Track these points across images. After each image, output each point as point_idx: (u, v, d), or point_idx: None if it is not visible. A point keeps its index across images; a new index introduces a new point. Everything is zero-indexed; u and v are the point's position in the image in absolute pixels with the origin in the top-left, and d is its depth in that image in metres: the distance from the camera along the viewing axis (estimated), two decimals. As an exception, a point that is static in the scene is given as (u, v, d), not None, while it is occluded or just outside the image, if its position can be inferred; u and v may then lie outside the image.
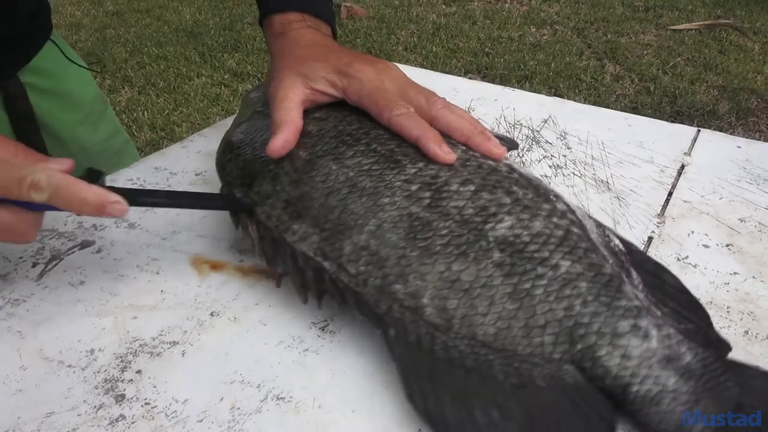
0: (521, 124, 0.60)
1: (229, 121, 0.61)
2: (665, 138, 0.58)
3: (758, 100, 2.45)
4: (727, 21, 3.00)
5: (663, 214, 0.47)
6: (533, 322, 0.32)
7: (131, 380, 0.34)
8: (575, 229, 0.36)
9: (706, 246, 0.44)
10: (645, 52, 2.73)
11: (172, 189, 0.50)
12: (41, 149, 0.60)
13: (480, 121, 0.43)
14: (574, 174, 0.52)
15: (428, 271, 0.34)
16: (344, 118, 0.44)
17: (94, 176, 0.37)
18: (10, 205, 0.34)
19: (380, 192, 0.38)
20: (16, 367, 0.35)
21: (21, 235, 0.35)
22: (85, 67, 0.67)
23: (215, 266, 0.42)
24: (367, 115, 0.44)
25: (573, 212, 0.38)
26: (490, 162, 0.40)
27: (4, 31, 0.55)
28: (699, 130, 0.59)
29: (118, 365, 0.35)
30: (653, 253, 0.43)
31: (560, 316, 0.32)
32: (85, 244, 0.44)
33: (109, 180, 0.52)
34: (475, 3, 3.20)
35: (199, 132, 0.60)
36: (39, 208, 0.35)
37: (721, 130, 2.34)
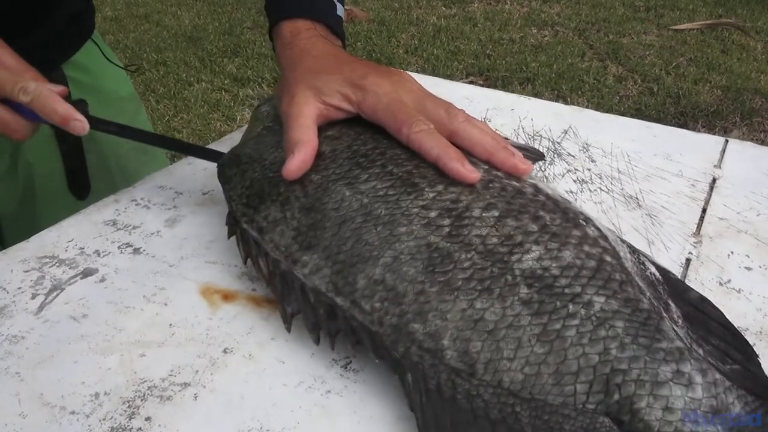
0: (541, 135, 0.58)
1: (237, 135, 0.58)
2: (692, 149, 0.55)
3: (762, 99, 2.43)
4: (729, 20, 2.98)
5: (699, 233, 0.45)
6: (565, 368, 0.29)
7: (140, 429, 0.31)
8: (608, 258, 0.34)
9: (748, 268, 0.41)
10: (647, 52, 2.71)
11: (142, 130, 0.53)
12: (76, 141, 0.62)
13: (497, 132, 0.41)
14: (601, 189, 0.50)
15: (449, 309, 0.31)
16: (358, 136, 0.42)
17: (78, 104, 0.44)
18: (8, 106, 0.42)
19: (396, 220, 0.35)
20: (15, 414, 0.32)
21: (14, 131, 0.43)
22: (121, 67, 0.68)
23: (227, 296, 0.40)
24: (383, 132, 0.41)
25: (605, 237, 0.35)
26: (515, 183, 0.38)
27: (52, 26, 0.59)
28: (727, 141, 0.57)
29: (125, 411, 0.32)
30: (693, 276, 0.40)
31: (595, 362, 0.29)
32: (87, 273, 0.42)
33: (113, 200, 0.49)
34: (476, 4, 3.18)
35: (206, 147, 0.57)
36: (26, 114, 0.43)
37: (725, 131, 2.33)
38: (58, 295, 0.40)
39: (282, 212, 0.38)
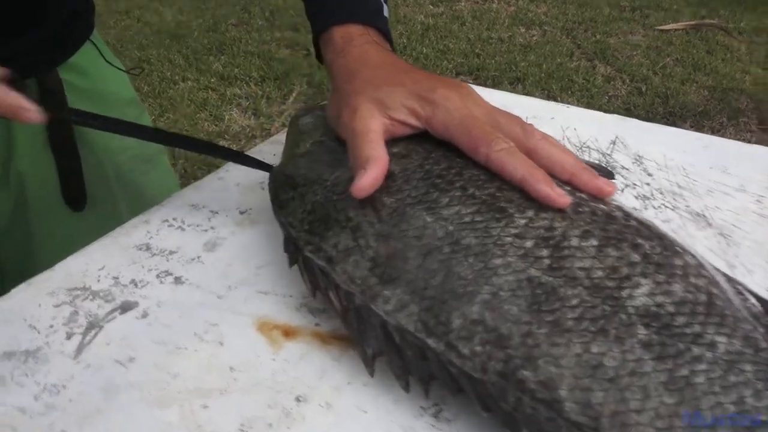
0: (589, 147, 0.55)
1: (267, 148, 0.55)
2: (747, 161, 0.53)
3: (747, 100, 2.46)
4: (712, 21, 3.01)
5: (779, 255, 0.42)
6: (699, 421, 0.26)
7: (218, 498, 0.27)
8: (715, 290, 0.31)
9: (839, 294, 0.39)
10: (634, 52, 2.73)
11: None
12: (72, 146, 0.58)
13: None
14: (665, 206, 0.47)
15: (562, 354, 0.28)
16: (429, 154, 0.38)
17: (18, 83, 0.39)
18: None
19: (490, 251, 0.32)
20: (68, 482, 0.28)
21: (26, 111, 0.39)
22: (122, 70, 0.63)
23: (288, 333, 0.36)
24: (454, 149, 0.38)
25: (704, 266, 0.33)
26: (603, 206, 0.35)
27: (51, 25, 0.55)
28: (781, 152, 0.55)
29: (196, 475, 0.28)
30: (784, 303, 0.38)
31: (731, 412, 0.26)
32: (126, 307, 0.38)
33: (142, 220, 0.45)
34: (463, 3, 3.16)
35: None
36: None
37: (713, 131, 2.34)
38: (96, 334, 0.36)
39: (354, 240, 0.34)
